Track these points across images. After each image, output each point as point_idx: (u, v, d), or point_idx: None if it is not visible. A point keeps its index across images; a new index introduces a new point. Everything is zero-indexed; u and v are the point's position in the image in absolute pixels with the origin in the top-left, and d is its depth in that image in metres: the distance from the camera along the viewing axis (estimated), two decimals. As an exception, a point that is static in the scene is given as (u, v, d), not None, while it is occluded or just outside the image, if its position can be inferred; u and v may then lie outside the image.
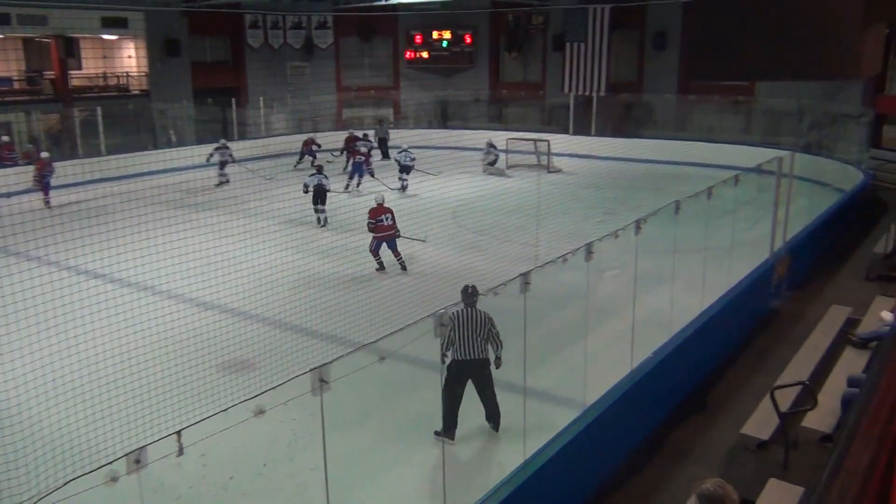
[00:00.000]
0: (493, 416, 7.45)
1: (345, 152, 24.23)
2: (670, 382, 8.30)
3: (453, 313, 7.05)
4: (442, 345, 6.88)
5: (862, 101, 23.12)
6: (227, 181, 21.72)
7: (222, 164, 22.07)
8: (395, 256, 13.55)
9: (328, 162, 22.19)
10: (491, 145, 24.07)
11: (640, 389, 7.45)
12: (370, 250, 13.41)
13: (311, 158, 23.73)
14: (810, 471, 6.54)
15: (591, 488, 6.84)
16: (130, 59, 29.32)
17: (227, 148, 22.50)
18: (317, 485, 5.14)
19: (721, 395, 8.65)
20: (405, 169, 21.00)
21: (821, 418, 7.16)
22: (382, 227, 13.43)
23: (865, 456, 1.67)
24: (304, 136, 25.84)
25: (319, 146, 24.89)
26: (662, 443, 7.62)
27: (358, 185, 21.00)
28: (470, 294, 7.32)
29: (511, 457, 6.35)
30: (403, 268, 13.48)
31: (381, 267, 13.46)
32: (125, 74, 28.90)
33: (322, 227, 16.70)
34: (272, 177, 20.08)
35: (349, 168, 22.18)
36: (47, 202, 19.03)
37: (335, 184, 18.33)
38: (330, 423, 4.73)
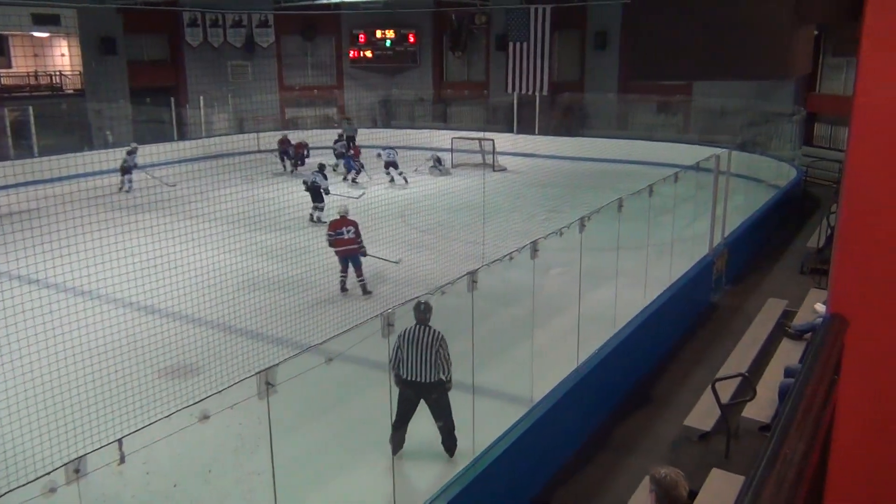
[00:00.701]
0: (447, 443, 7.01)
1: (296, 158, 24.19)
2: (616, 377, 8.44)
3: (402, 330, 6.64)
4: (390, 361, 6.64)
5: (794, 100, 23.92)
6: (122, 189, 20.79)
7: (125, 170, 21.11)
8: (357, 277, 12.18)
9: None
10: (438, 160, 23.97)
11: (586, 385, 7.56)
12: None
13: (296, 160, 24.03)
14: (750, 460, 6.72)
15: (539, 483, 6.91)
16: (63, 57, 28.42)
17: (135, 153, 21.48)
18: (264, 490, 5.07)
19: (665, 389, 8.83)
20: (389, 165, 21.97)
21: (759, 408, 7.37)
22: (341, 241, 12.10)
23: (801, 444, 1.72)
24: (279, 136, 25.49)
25: (307, 146, 24.66)
26: (609, 436, 7.74)
27: (355, 178, 22.07)
28: (422, 311, 6.74)
29: (460, 454, 6.38)
30: (364, 290, 12.15)
31: (343, 287, 12.20)
32: (58, 73, 28.00)
33: (314, 222, 17.13)
34: (174, 184, 19.64)
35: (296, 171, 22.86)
36: None
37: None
38: (277, 427, 4.67)
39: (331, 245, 12.17)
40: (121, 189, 20.80)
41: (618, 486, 6.82)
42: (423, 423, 7.14)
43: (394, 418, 6.85)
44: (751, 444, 7.14)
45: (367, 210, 14.86)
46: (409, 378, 6.77)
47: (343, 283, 12.21)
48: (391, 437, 6.91)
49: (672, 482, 3.93)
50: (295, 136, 25.66)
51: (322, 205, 17.49)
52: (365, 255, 12.23)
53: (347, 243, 12.08)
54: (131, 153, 21.35)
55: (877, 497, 2.54)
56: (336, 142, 24.69)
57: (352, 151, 22.99)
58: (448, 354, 6.79)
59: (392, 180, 21.92)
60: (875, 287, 2.42)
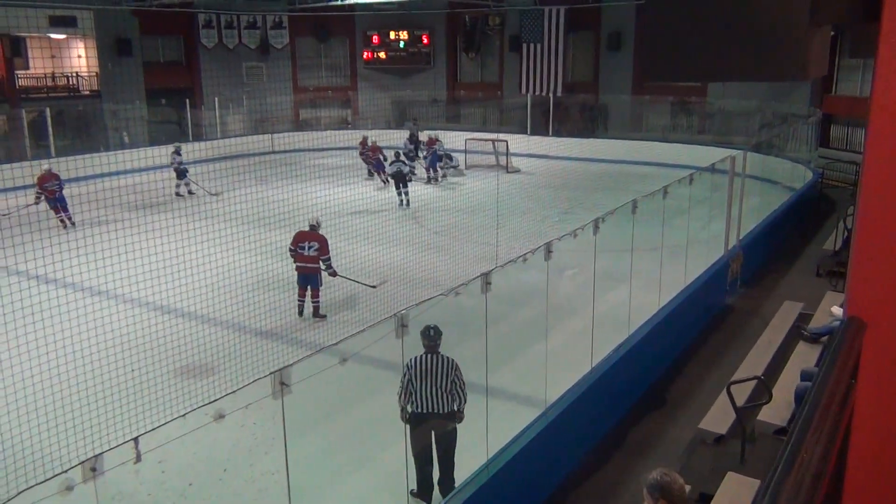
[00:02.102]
0: (445, 481, 6.38)
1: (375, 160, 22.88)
2: (630, 379, 8.41)
3: (411, 360, 6.23)
4: (399, 395, 6.32)
5: (810, 102, 23.74)
6: (178, 194, 20.81)
7: (179, 173, 20.94)
8: (311, 297, 10.97)
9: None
10: (448, 156, 24.03)
11: (600, 387, 7.54)
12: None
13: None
14: (766, 463, 6.68)
15: (553, 485, 6.89)
16: (80, 58, 28.68)
17: (180, 152, 21.10)
18: (278, 490, 5.09)
19: (679, 391, 8.79)
20: (447, 157, 22.94)
21: (775, 412, 7.31)
22: (301, 257, 10.84)
23: (818, 448, 1.71)
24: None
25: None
26: (623, 439, 7.72)
27: (440, 176, 22.93)
28: (432, 337, 6.28)
29: (474, 456, 6.36)
30: (315, 313, 10.96)
31: (300, 311, 11.04)
32: (75, 74, 28.25)
33: (406, 207, 18.36)
34: (219, 192, 19.80)
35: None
36: (69, 219, 16.97)
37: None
38: (291, 427, 4.69)
39: (293, 259, 11.13)
40: (178, 194, 20.79)
41: (632, 488, 6.79)
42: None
43: (417, 476, 6.37)
44: (766, 447, 7.08)
45: (381, 211, 14.89)
46: (423, 411, 6.26)
47: (301, 307, 11.07)
48: (418, 493, 6.37)
49: (671, 478, 3.79)
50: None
51: (407, 189, 18.59)
52: (334, 275, 11.10)
53: (307, 261, 10.85)
54: (177, 153, 21.05)
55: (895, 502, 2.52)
56: (410, 142, 24.80)
57: (434, 148, 23.19)
58: (464, 383, 6.34)
59: (436, 180, 22.76)
60: (893, 289, 2.40)
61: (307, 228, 11.22)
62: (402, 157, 19.36)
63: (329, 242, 11.20)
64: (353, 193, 17.85)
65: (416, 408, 6.27)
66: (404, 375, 6.25)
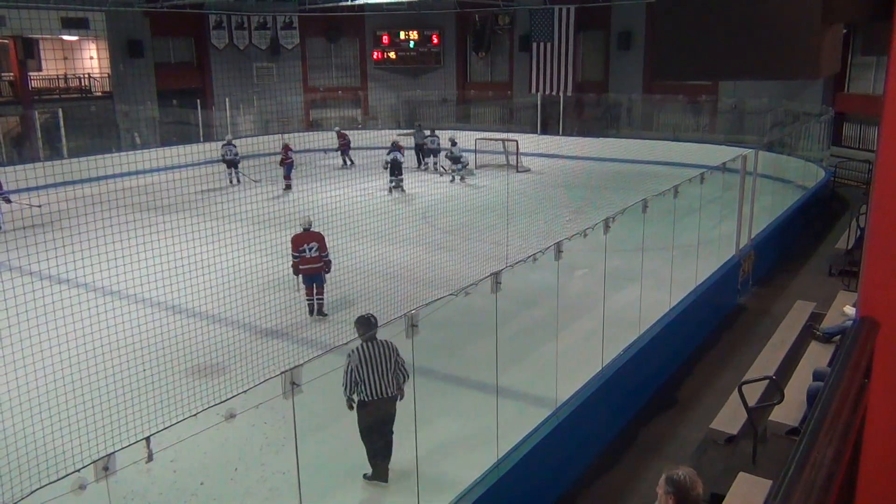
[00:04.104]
0: (385, 464, 6.74)
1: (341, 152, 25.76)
2: (640, 379, 8.39)
3: (352, 351, 6.46)
4: (344, 387, 6.48)
5: (822, 100, 23.57)
6: (232, 183, 22.20)
7: (231, 163, 22.41)
8: (316, 295, 11.07)
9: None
10: (455, 159, 24.01)
11: (610, 386, 7.52)
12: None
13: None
14: (778, 464, 6.64)
15: (564, 485, 6.88)
16: (92, 60, 28.82)
17: (233, 145, 22.66)
18: (289, 489, 5.11)
19: (690, 391, 8.76)
20: (456, 159, 22.68)
21: (787, 412, 7.27)
22: (305, 259, 10.88)
23: (830, 449, 1.70)
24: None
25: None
26: (634, 438, 7.70)
27: (452, 178, 22.90)
28: (371, 325, 6.47)
29: (484, 456, 6.37)
30: (320, 311, 11.10)
31: (310, 311, 11.14)
32: (87, 76, 28.40)
33: (392, 195, 19.45)
34: (259, 179, 20.82)
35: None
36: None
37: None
38: (302, 426, 4.71)
39: (294, 270, 11.14)
40: (231, 183, 22.30)
41: (643, 488, 6.77)
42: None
43: (369, 459, 6.68)
44: (778, 448, 7.05)
45: (392, 211, 14.89)
46: (371, 398, 6.52)
47: (311, 306, 11.18)
48: (372, 476, 6.69)
49: (691, 482, 3.86)
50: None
51: (401, 177, 19.59)
52: (328, 271, 11.12)
53: (311, 262, 10.91)
54: (230, 145, 22.57)
55: (908, 503, 2.49)
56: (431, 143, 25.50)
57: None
58: (404, 360, 6.54)
59: (453, 180, 22.69)
60: (907, 289, 2.38)
61: (300, 231, 11.23)
62: (396, 147, 20.50)
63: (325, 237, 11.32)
64: (364, 193, 17.89)
65: (365, 395, 6.53)
66: (348, 366, 6.44)
